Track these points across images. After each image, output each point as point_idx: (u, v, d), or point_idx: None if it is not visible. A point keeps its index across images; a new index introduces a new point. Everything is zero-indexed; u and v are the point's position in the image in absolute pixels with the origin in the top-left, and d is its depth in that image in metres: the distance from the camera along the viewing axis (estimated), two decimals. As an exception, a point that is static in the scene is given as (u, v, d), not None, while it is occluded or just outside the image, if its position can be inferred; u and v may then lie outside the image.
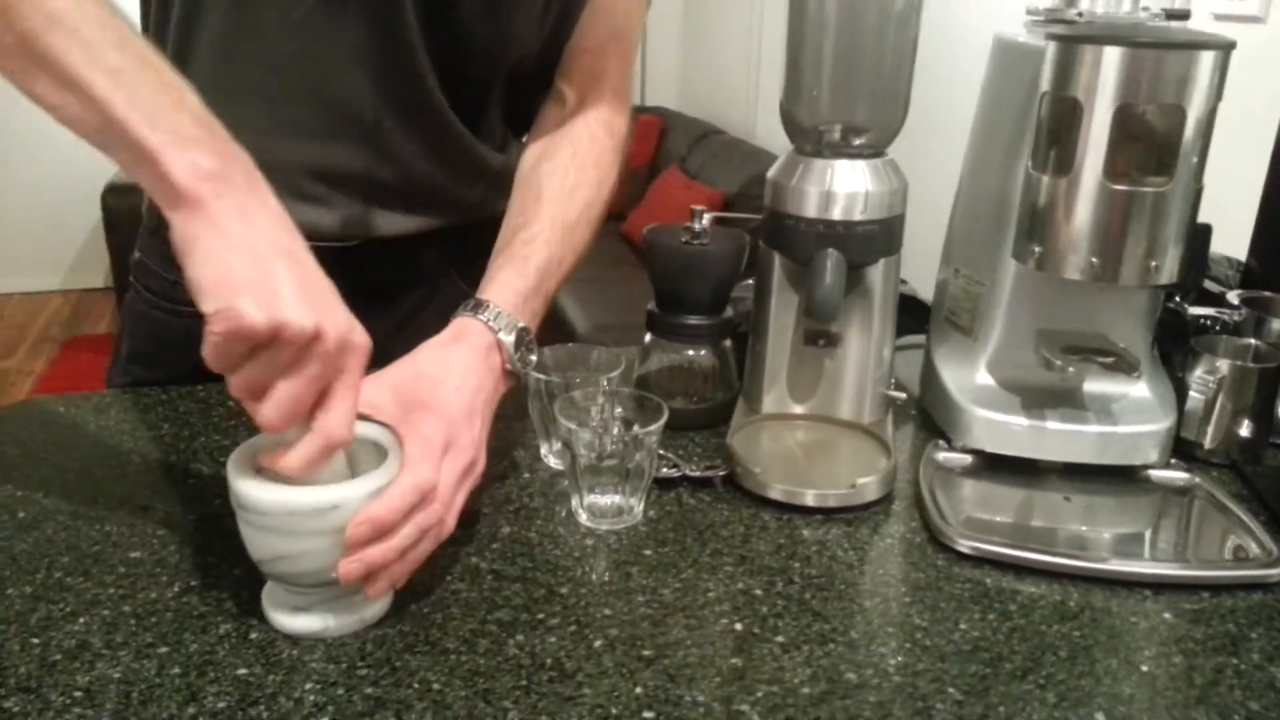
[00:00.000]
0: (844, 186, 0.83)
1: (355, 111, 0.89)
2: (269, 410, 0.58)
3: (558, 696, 0.59)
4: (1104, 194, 0.77)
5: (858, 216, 0.83)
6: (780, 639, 0.65)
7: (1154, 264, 0.78)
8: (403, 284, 0.99)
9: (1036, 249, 0.81)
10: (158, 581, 0.69)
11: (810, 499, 0.79)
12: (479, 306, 0.77)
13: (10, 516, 0.76)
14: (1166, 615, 0.69)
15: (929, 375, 0.95)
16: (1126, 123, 0.76)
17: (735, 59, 4.01)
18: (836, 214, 0.83)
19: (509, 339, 0.76)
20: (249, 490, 0.60)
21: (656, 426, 0.75)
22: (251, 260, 0.57)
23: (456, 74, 0.91)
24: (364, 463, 0.66)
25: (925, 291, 1.02)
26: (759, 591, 0.70)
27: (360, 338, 0.60)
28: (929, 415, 0.94)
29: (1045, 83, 0.79)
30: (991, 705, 0.60)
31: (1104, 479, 0.86)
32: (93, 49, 0.57)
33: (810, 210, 0.84)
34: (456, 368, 0.72)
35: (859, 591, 0.70)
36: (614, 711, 0.58)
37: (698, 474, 0.83)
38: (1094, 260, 0.78)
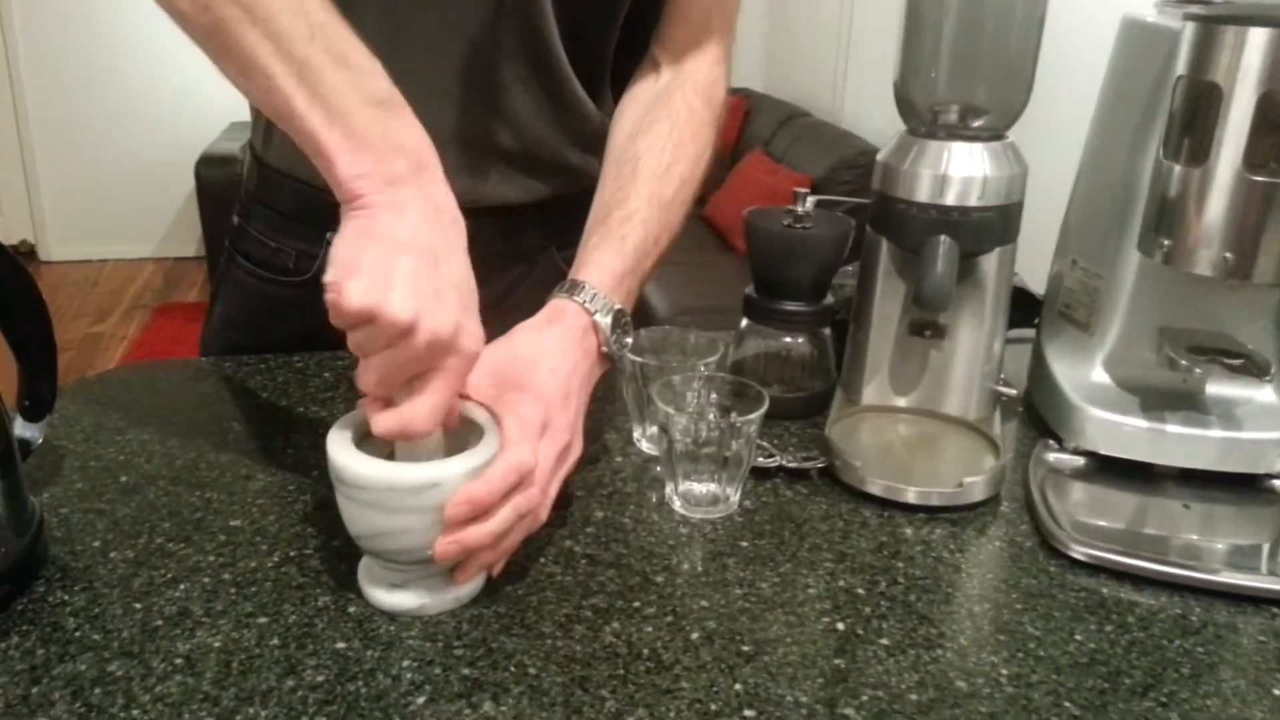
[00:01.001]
0: (960, 170, 0.79)
1: (473, 68, 0.89)
2: (362, 374, 0.60)
3: (655, 688, 0.58)
4: (1242, 185, 0.72)
5: (973, 202, 0.80)
6: (885, 641, 0.63)
7: (1294, 261, 0.73)
8: (503, 259, 0.98)
9: (1165, 242, 0.77)
10: (257, 550, 0.69)
11: (913, 496, 0.77)
12: (575, 287, 0.75)
13: (113, 480, 0.77)
14: (1298, 635, 0.65)
15: (1039, 371, 0.91)
16: (1270, 110, 0.71)
17: (823, 38, 3.93)
18: (950, 199, 0.80)
19: (605, 321, 0.74)
20: (348, 464, 0.59)
21: (757, 415, 0.73)
22: (383, 249, 0.59)
23: (575, 21, 0.90)
24: (462, 441, 0.66)
25: (1036, 283, 0.98)
26: (861, 591, 0.68)
27: (467, 342, 0.60)
28: (1037, 413, 0.90)
29: (1181, 66, 0.75)
30: (1110, 722, 0.57)
31: (1224, 487, 0.82)
32: (281, 40, 0.60)
33: (922, 195, 0.81)
34: (552, 350, 0.71)
35: (966, 596, 0.68)
36: (713, 708, 0.57)
37: (794, 465, 0.81)
38: (1228, 255, 0.74)
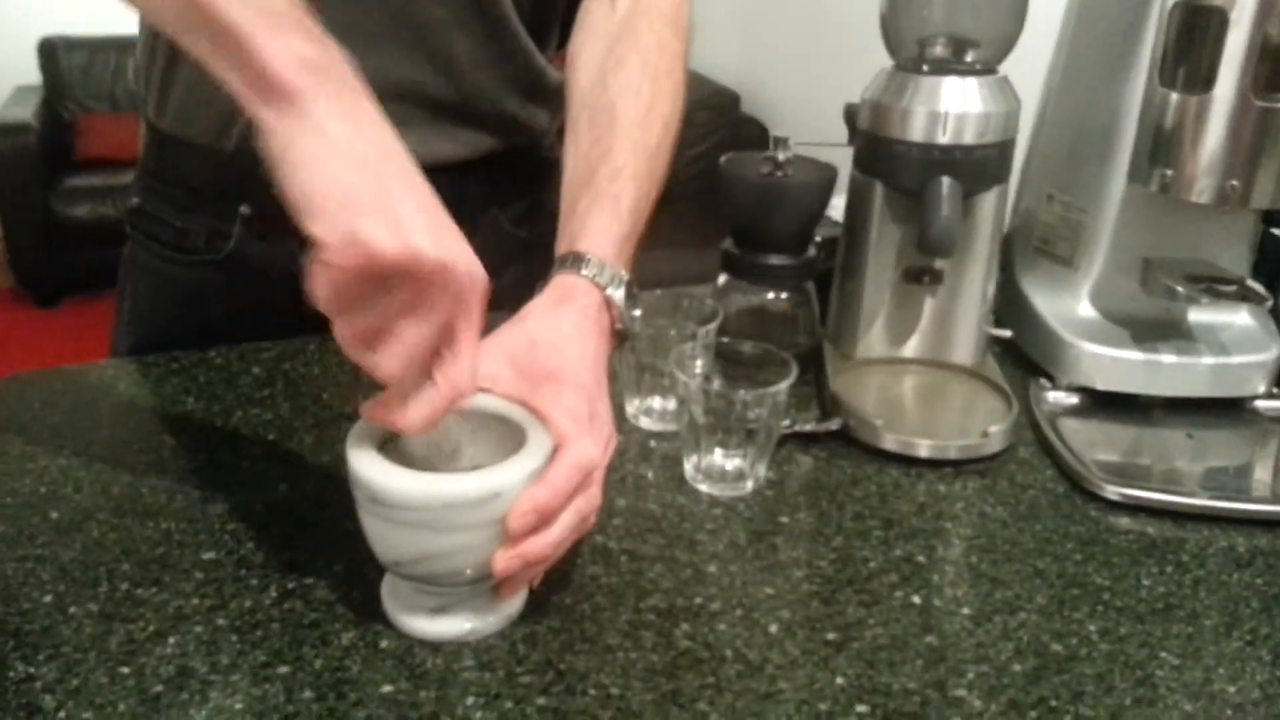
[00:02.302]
0: (956, 106, 0.76)
1: (404, 8, 0.78)
2: (389, 359, 0.49)
3: (754, 694, 0.53)
4: (1249, 111, 0.72)
5: (970, 140, 0.76)
6: (966, 610, 0.59)
7: (1296, 186, 0.74)
8: None
9: (1165, 172, 0.76)
10: (247, 586, 0.59)
11: (934, 451, 0.74)
12: (578, 261, 0.67)
13: (42, 518, 0.65)
14: (1338, 556, 0.66)
15: (1020, 309, 0.89)
16: (1275, 33, 0.70)
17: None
18: (947, 138, 0.76)
19: (617, 295, 0.67)
20: (390, 483, 0.50)
21: (786, 384, 0.68)
22: (367, 174, 0.48)
23: None
24: (485, 440, 0.58)
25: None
26: (921, 558, 0.64)
27: (481, 270, 0.51)
28: (1020, 352, 0.89)
29: (1176, -9, 0.73)
30: (1210, 668, 0.56)
31: (1210, 414, 0.82)
32: None
33: (918, 134, 0.77)
34: (572, 332, 0.63)
35: (1025, 551, 0.65)
36: (822, 708, 0.52)
37: (811, 429, 0.76)
38: (1233, 184, 0.74)
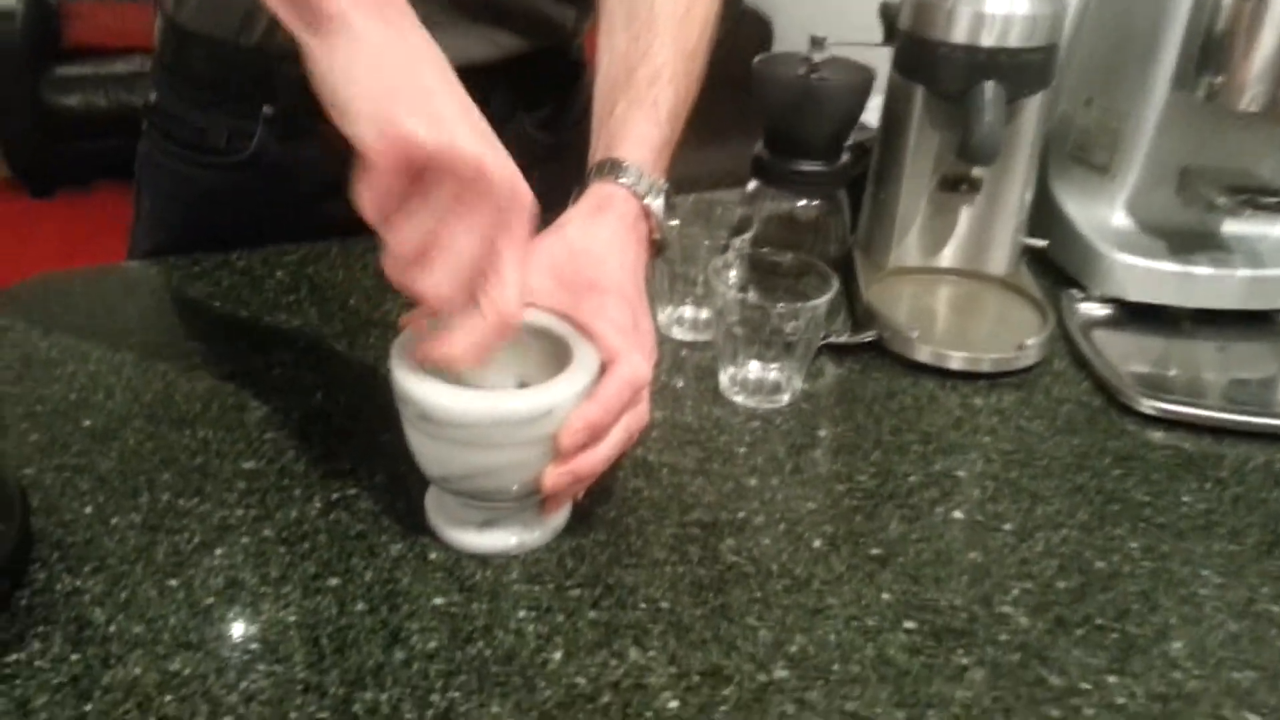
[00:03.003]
0: (1002, 7, 0.73)
1: None
2: (437, 275, 0.48)
3: (802, 609, 0.53)
4: (1311, 17, 0.69)
5: (1015, 43, 0.74)
6: (1008, 526, 0.60)
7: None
8: None
9: (1215, 79, 0.74)
10: (290, 497, 0.59)
11: (972, 364, 0.73)
12: (616, 168, 0.65)
13: (75, 426, 0.64)
14: (1372, 473, 0.67)
15: (1052, 218, 0.88)
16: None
17: None
18: (991, 39, 0.73)
19: (656, 204, 0.65)
20: (438, 400, 0.50)
21: (826, 299, 0.67)
22: (407, 72, 0.47)
23: None
24: (527, 352, 0.57)
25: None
26: (961, 473, 0.64)
27: (526, 188, 0.49)
28: (1050, 261, 0.87)
29: (1239, -114, 0.70)
30: (1254, 587, 0.56)
31: (1239, 326, 0.82)
32: None
33: (961, 36, 0.74)
34: (612, 241, 0.62)
35: (1064, 466, 0.65)
36: (870, 623, 0.52)
37: (847, 340, 0.75)
38: (1288, 92, 0.71)
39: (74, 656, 0.48)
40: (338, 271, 0.83)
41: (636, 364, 0.53)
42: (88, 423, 0.64)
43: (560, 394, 0.51)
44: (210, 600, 0.52)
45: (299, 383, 0.69)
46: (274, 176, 0.83)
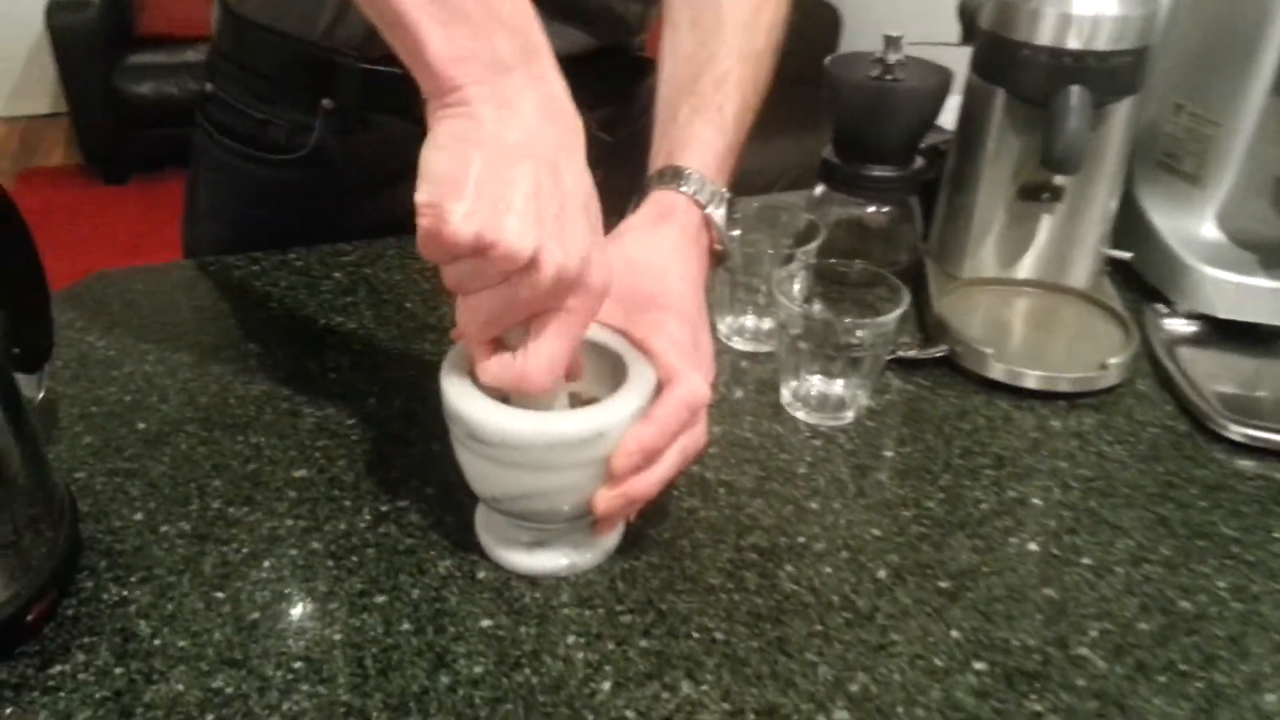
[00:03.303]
0: (1089, 8, 0.69)
1: None
2: (463, 317, 0.48)
3: (865, 645, 0.50)
4: None
5: (1103, 46, 0.70)
6: (1087, 560, 0.56)
7: None
8: None
9: (1321, 86, 0.69)
10: (340, 508, 0.58)
11: (1050, 383, 0.69)
12: (678, 176, 0.63)
13: (129, 429, 0.64)
14: None
15: (1137, 229, 0.83)
16: None
17: None
18: (1078, 42, 0.70)
19: (718, 214, 0.63)
20: (488, 420, 0.48)
21: (896, 314, 0.64)
22: (492, 158, 0.45)
23: None
24: (586, 372, 0.55)
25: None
26: (1037, 500, 0.61)
27: (597, 278, 0.48)
28: (1133, 273, 0.83)
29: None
30: (1353, 635, 0.52)
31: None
32: None
33: (1046, 38, 0.70)
34: (672, 254, 0.60)
35: (1146, 495, 0.62)
36: (937, 663, 0.50)
37: (915, 355, 0.72)
38: (1402, 100, 0.66)
39: (118, 670, 0.48)
40: (394, 272, 0.82)
41: (695, 384, 0.51)
42: (141, 426, 0.64)
43: (614, 415, 0.49)
44: (256, 615, 0.51)
45: (353, 388, 0.68)
46: (332, 172, 0.82)
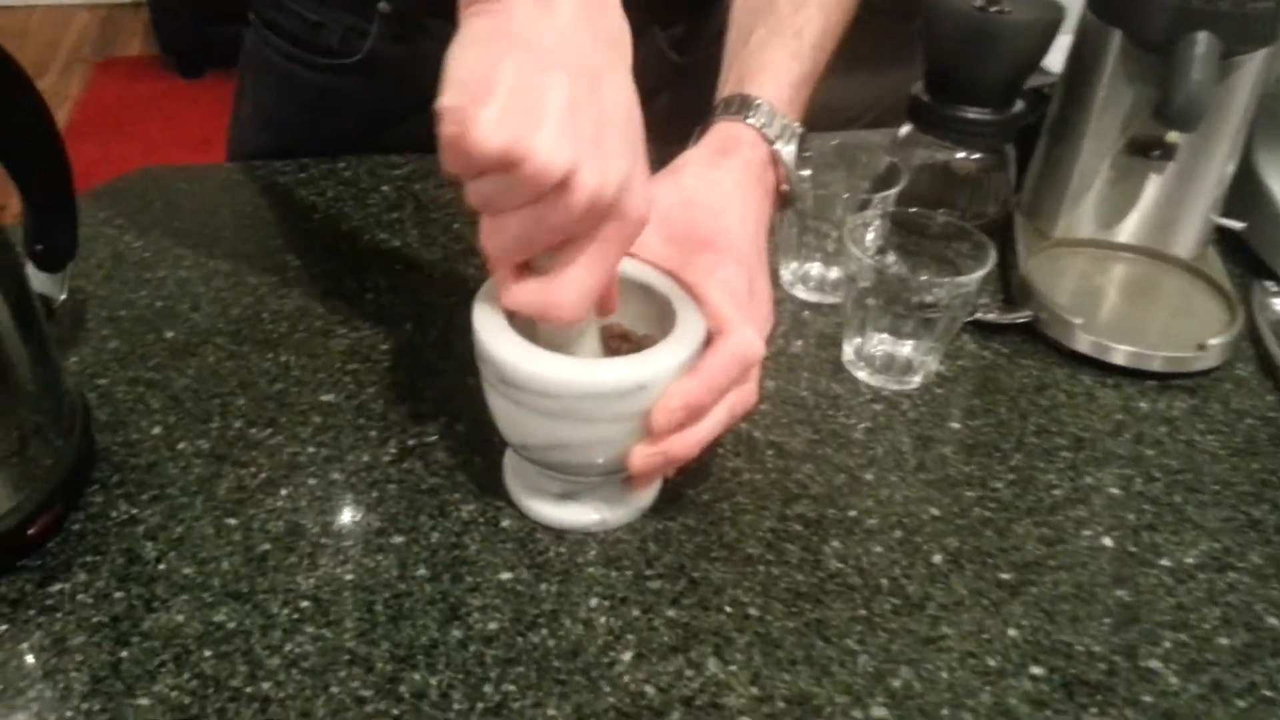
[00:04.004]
0: (1230, -55, 0.61)
1: None
2: (488, 236, 0.43)
3: (912, 636, 0.46)
4: None
5: (1240, -11, 0.62)
6: (1166, 562, 0.51)
7: None
8: None
9: None
10: (366, 438, 0.55)
11: (1145, 360, 0.63)
12: (746, 106, 0.57)
13: (157, 336, 0.61)
14: None
15: (1252, 196, 0.76)
16: None
17: None
18: (1212, -16, 0.62)
19: (788, 150, 0.57)
20: (520, 364, 0.44)
21: (979, 275, 0.58)
22: (526, 62, 0.40)
23: None
24: (625, 309, 0.50)
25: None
26: (1115, 490, 0.56)
27: (635, 204, 0.42)
28: (1244, 245, 0.76)
29: None
30: None
31: None
32: None
33: (1174, -24, 0.63)
34: (733, 192, 0.54)
35: (1238, 495, 0.56)
36: (990, 663, 0.45)
37: (995, 318, 0.67)
38: None
39: (118, 594, 0.45)
40: (445, 190, 0.78)
41: (748, 338, 0.47)
42: (169, 334, 0.61)
43: (657, 367, 0.44)
44: (267, 547, 0.48)
45: (391, 311, 0.65)
46: (386, 80, 0.77)
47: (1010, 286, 0.70)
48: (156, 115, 3.07)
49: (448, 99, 0.39)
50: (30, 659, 0.42)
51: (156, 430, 0.54)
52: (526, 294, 0.44)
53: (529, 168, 0.39)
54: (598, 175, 0.40)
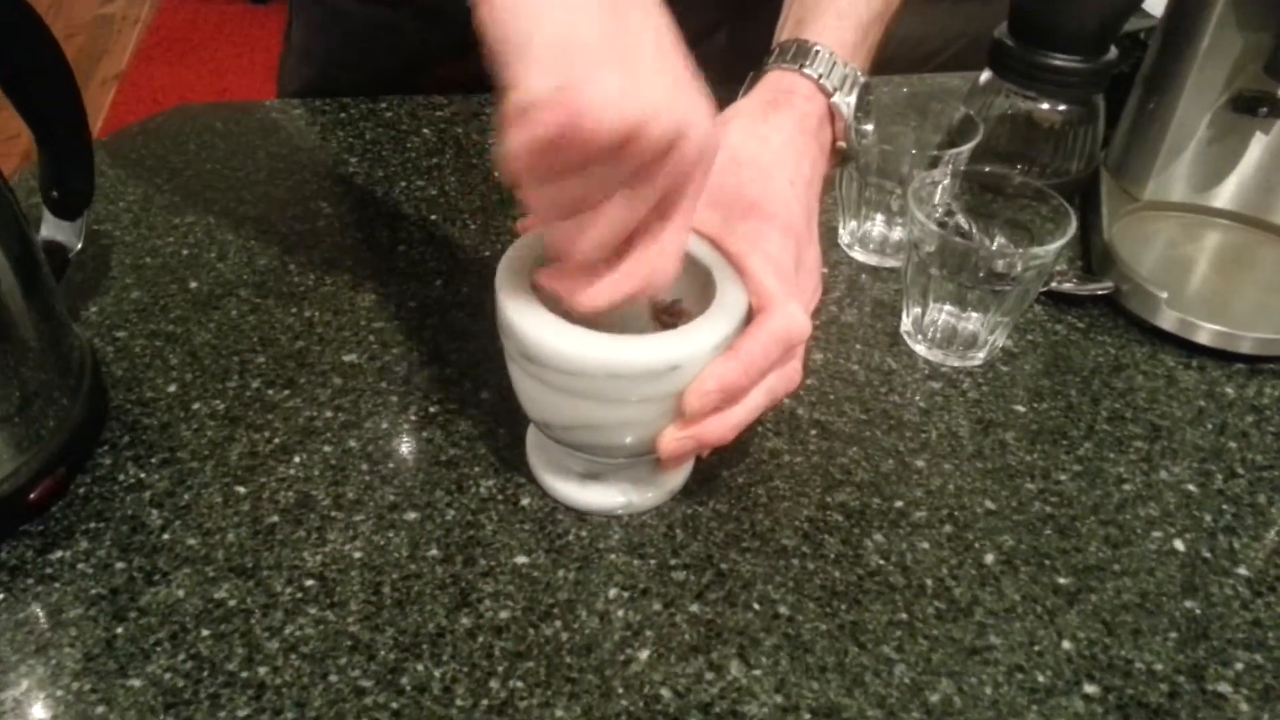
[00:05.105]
0: (1368, -127, 0.54)
1: None
2: (589, 242, 0.38)
3: (956, 645, 0.43)
4: None
5: (1376, -76, 0.55)
6: (1243, 571, 0.47)
7: None
8: None
9: None
10: (386, 403, 0.52)
11: (1235, 342, 0.58)
12: (804, 54, 0.52)
13: (180, 287, 0.59)
14: None
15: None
16: None
17: None
18: (1343, -82, 0.55)
19: (848, 102, 0.52)
20: (546, 340, 0.40)
21: (1058, 246, 0.53)
22: (606, 13, 0.35)
23: None
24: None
25: None
26: (1192, 487, 0.51)
27: (716, 138, 0.38)
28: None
29: None
30: None
31: None
32: None
33: (1300, -91, 0.55)
34: (783, 149, 0.49)
35: (1334, 498, 0.51)
36: (1040, 679, 0.42)
37: (1071, 289, 0.61)
38: None
39: (119, 565, 0.44)
40: (487, 135, 0.74)
41: (793, 316, 0.42)
42: (193, 285, 0.59)
43: (692, 346, 0.41)
44: (274, 519, 0.46)
45: (422, 265, 0.62)
46: (434, 17, 0.73)
47: (1090, 253, 0.65)
48: (225, 41, 3.06)
49: (535, 83, 0.34)
50: (25, 632, 0.41)
51: (172, 388, 0.52)
52: (622, 283, 0.39)
53: (649, 137, 0.34)
54: (700, 121, 0.36)
